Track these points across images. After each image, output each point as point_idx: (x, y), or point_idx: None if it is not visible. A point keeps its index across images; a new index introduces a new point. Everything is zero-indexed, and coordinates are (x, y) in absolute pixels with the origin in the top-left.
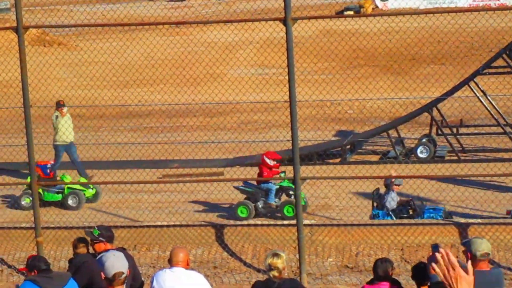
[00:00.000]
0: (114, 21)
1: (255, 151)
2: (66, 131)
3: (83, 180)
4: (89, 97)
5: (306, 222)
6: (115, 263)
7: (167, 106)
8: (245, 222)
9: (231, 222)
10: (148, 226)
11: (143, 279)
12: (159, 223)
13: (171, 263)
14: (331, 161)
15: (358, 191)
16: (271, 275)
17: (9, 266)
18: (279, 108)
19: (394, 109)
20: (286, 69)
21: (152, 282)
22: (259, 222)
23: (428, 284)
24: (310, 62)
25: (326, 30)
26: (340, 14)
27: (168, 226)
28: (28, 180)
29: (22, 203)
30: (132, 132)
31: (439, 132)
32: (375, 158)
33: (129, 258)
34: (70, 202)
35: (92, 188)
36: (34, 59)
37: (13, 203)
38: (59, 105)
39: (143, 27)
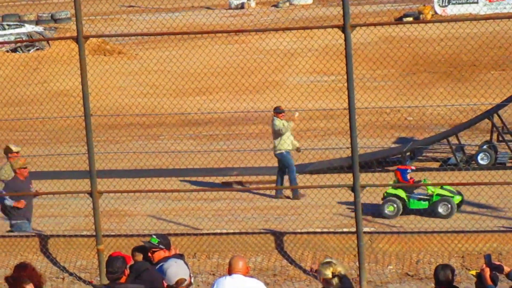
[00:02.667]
0: (173, 29)
1: (315, 159)
2: (288, 139)
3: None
4: (149, 106)
5: (366, 229)
6: (178, 270)
7: (226, 114)
8: (304, 230)
9: (291, 229)
10: (208, 234)
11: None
12: (218, 231)
13: (230, 270)
14: (390, 168)
15: None
16: (333, 284)
17: (71, 274)
18: (338, 116)
19: (454, 115)
20: (345, 76)
21: None
22: (318, 230)
23: None
24: (369, 69)
25: (385, 36)
26: (399, 20)
27: (227, 233)
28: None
29: (386, 211)
30: (192, 140)
31: (500, 138)
32: (435, 165)
33: (186, 265)
34: (440, 210)
35: (458, 195)
36: (94, 68)
37: (375, 212)
38: (278, 110)
39: (202, 36)
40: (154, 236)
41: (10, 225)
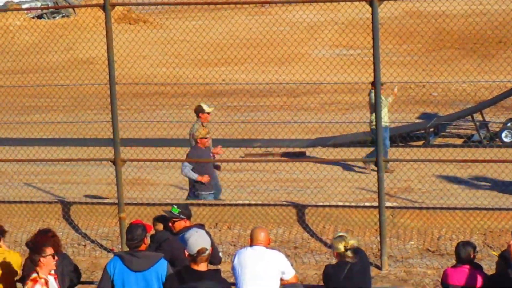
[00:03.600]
0: None
1: (338, 132)
2: (385, 115)
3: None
4: (174, 75)
5: (388, 204)
6: (199, 240)
7: (250, 85)
8: (326, 203)
9: (312, 202)
10: (230, 205)
11: (221, 255)
12: (240, 202)
13: (252, 242)
14: (414, 143)
15: (441, 174)
16: (348, 257)
17: (92, 241)
18: (363, 89)
19: (479, 92)
20: (371, 50)
21: (233, 259)
22: (340, 204)
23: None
24: (396, 44)
25: (412, 11)
26: None
27: (249, 205)
28: None
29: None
30: (216, 110)
31: None
32: (459, 141)
33: (208, 235)
34: None
35: None
36: (120, 36)
37: None
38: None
39: (228, 6)
40: (175, 206)
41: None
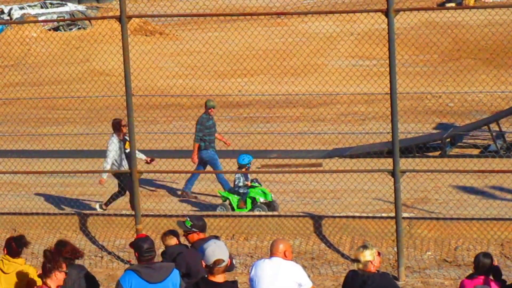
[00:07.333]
0: (215, 11)
1: (354, 143)
2: None
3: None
4: (190, 87)
5: (405, 215)
6: (216, 251)
7: (267, 96)
8: (343, 214)
9: (329, 213)
10: (247, 216)
11: (234, 262)
12: (257, 213)
13: (270, 253)
14: (430, 154)
15: (458, 184)
16: (355, 267)
17: (109, 253)
18: (379, 100)
19: (496, 102)
20: (387, 61)
21: (251, 271)
22: (357, 214)
23: None
24: (412, 54)
25: (428, 22)
26: (442, 6)
27: (266, 216)
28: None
29: None
30: (232, 122)
31: None
32: (475, 151)
33: None
34: None
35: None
36: (136, 48)
37: None
38: None
39: (244, 18)
40: (188, 219)
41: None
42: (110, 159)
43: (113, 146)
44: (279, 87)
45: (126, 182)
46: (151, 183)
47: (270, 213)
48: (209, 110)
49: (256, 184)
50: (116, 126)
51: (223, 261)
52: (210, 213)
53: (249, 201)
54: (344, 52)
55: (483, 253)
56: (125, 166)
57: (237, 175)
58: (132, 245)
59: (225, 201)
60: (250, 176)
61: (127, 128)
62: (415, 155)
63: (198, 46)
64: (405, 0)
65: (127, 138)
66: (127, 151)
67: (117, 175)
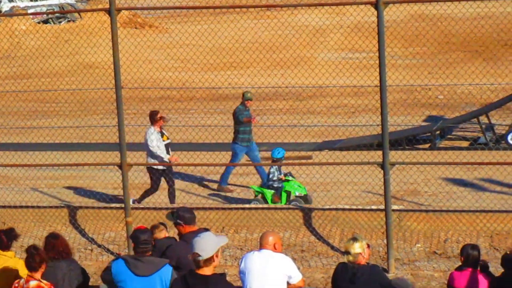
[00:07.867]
0: (205, 3)
1: (344, 135)
2: None
3: None
4: (180, 79)
5: (394, 207)
6: (196, 244)
7: (256, 89)
8: (333, 206)
9: (319, 206)
10: (236, 209)
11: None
12: (247, 206)
13: (260, 245)
14: (420, 146)
15: (448, 177)
16: (345, 260)
17: (99, 246)
18: (369, 93)
19: (485, 95)
20: (376, 54)
21: (240, 263)
22: (347, 207)
23: None
24: (401, 47)
25: (417, 14)
26: None
27: (256, 208)
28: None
29: None
30: (222, 114)
31: None
32: (465, 144)
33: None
34: None
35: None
36: (126, 41)
37: None
38: None
39: (234, 10)
40: (176, 211)
41: None
42: (160, 150)
43: (155, 136)
44: (269, 80)
45: (157, 177)
46: (142, 175)
47: (260, 205)
48: (246, 102)
49: (290, 178)
50: (153, 117)
51: (199, 255)
52: (200, 205)
53: (284, 195)
54: (334, 45)
55: (471, 245)
56: (165, 158)
57: (271, 169)
58: (131, 236)
59: (257, 195)
60: (283, 170)
61: (164, 121)
62: (405, 148)
63: (187, 39)
64: None
65: (164, 132)
66: (165, 143)
67: (150, 169)
